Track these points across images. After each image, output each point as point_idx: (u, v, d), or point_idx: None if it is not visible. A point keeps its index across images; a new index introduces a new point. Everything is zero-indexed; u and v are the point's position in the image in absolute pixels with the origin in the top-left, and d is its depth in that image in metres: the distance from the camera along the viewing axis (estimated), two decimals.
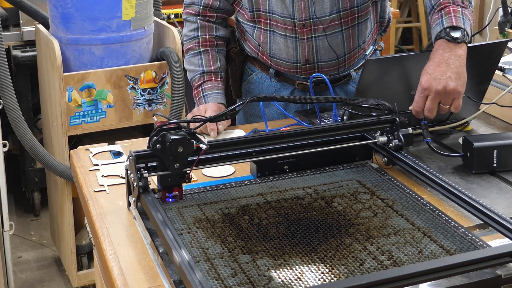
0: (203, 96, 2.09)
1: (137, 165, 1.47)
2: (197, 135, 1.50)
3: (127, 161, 1.52)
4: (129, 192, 1.52)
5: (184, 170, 1.50)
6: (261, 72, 2.17)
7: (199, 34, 2.14)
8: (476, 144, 1.65)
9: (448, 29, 1.76)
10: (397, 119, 1.65)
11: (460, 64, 1.72)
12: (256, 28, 2.08)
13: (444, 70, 1.70)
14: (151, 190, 1.49)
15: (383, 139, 1.68)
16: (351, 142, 1.69)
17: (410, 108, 1.74)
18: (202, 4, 2.14)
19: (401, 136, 1.65)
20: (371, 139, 1.69)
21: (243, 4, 2.08)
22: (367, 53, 2.16)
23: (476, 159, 1.65)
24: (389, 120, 1.66)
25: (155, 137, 1.47)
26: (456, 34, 1.75)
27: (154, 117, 1.67)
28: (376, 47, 2.20)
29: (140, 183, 1.47)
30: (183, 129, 1.49)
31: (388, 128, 1.67)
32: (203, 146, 1.49)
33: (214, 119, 1.60)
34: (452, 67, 1.71)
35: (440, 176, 1.53)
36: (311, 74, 2.05)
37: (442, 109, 1.72)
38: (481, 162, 1.66)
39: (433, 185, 1.53)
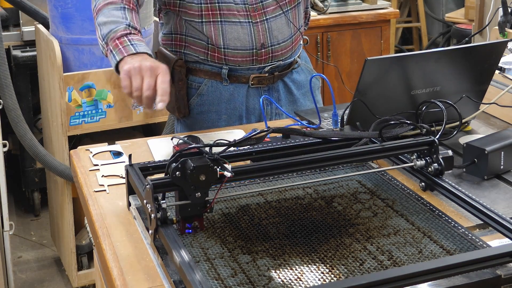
0: (132, 44, 1.79)
1: (154, 195, 1.32)
2: (220, 160, 1.36)
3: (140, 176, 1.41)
4: (130, 192, 1.52)
5: (206, 199, 1.37)
6: (210, 80, 2.08)
7: None
8: (488, 149, 1.59)
9: None
10: (436, 140, 1.52)
11: None
12: (204, 23, 2.03)
13: None
14: (169, 221, 1.35)
15: (420, 162, 1.55)
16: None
17: None
18: None
19: (440, 159, 1.52)
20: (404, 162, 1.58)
21: (186, 0, 2.02)
22: (301, 42, 2.21)
23: (490, 164, 1.59)
24: (427, 142, 1.53)
25: (174, 164, 1.34)
26: None
27: (172, 140, 1.59)
28: (303, 41, 2.24)
29: (158, 214, 1.32)
30: (205, 154, 1.36)
31: (425, 151, 1.54)
32: (228, 174, 1.36)
33: (239, 143, 1.45)
34: None
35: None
36: (266, 61, 2.07)
37: None
38: (493, 167, 1.61)
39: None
